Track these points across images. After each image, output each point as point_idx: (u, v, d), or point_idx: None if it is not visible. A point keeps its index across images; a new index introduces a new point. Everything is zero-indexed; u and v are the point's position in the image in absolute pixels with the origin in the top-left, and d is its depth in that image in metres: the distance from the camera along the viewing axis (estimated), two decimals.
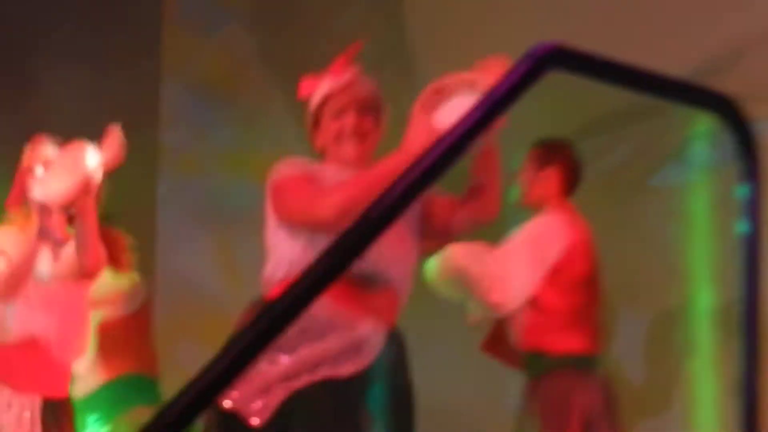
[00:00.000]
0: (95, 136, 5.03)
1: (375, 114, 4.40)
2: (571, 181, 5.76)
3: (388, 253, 4.16)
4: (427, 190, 2.18)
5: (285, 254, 4.28)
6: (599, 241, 6.21)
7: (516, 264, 5.51)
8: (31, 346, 5.28)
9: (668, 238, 6.40)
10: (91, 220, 5.16)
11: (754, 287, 2.57)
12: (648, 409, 6.52)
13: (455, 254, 5.46)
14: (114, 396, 5.86)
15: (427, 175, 2.12)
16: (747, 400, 2.53)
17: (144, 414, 5.72)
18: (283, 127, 4.57)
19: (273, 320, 2.04)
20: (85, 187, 4.95)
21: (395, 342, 4.30)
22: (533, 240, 5.54)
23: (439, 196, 4.37)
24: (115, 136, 5.07)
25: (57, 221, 5.31)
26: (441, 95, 4.14)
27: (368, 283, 4.19)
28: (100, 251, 5.22)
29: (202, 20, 7.90)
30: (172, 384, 6.36)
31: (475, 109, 2.17)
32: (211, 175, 7.20)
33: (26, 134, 5.33)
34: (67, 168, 4.98)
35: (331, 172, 4.30)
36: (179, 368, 6.64)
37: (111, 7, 7.98)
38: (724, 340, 5.89)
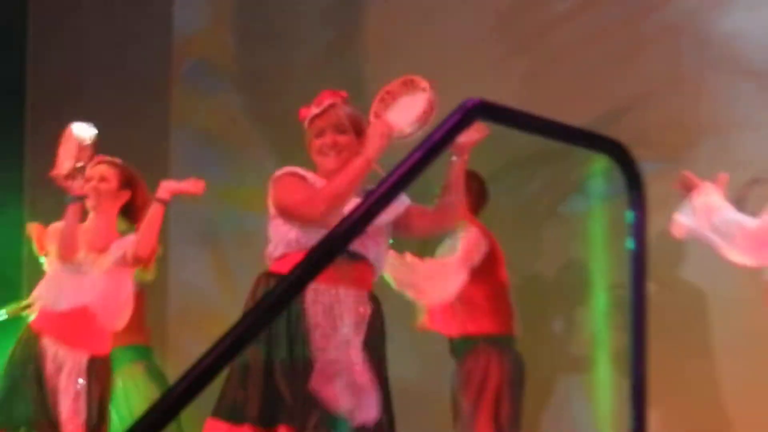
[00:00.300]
0: None
1: (351, 132, 4.42)
2: (481, 204, 5.79)
3: (368, 239, 4.30)
4: (387, 204, 2.19)
5: (283, 236, 4.34)
6: (518, 257, 6.21)
7: (449, 268, 5.55)
8: (82, 313, 5.25)
9: (573, 253, 6.39)
10: (155, 219, 5.25)
11: (640, 291, 2.56)
12: (557, 389, 6.50)
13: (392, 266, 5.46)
14: (125, 356, 5.92)
15: (385, 195, 2.14)
16: (636, 381, 2.53)
17: (140, 367, 6.08)
18: (264, 166, 4.59)
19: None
20: None
21: (376, 302, 4.41)
22: (468, 249, 5.55)
23: (414, 205, 4.47)
24: None
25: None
26: (387, 100, 4.31)
27: (352, 259, 4.26)
28: (155, 246, 5.26)
29: (202, 83, 7.90)
30: (177, 366, 6.31)
31: (418, 148, 2.16)
32: (209, 205, 7.17)
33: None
34: None
35: (317, 181, 4.38)
36: (185, 354, 6.60)
37: (129, 74, 7.98)
38: (617, 333, 5.87)
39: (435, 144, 2.16)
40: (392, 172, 2.15)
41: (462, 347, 5.61)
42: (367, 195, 2.14)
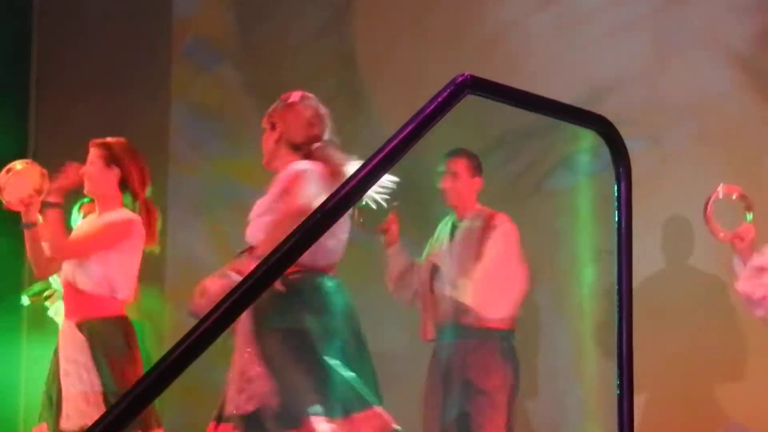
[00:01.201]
0: None
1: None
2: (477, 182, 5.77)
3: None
4: (382, 174, 2.17)
5: (262, 225, 4.44)
6: None
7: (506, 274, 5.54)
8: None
9: (560, 228, 6.38)
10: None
11: (626, 263, 2.56)
12: (545, 358, 6.51)
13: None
14: None
15: (371, 173, 2.11)
16: (622, 349, 2.53)
17: None
18: (259, 140, 4.62)
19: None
20: None
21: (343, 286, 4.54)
22: (511, 246, 5.55)
23: None
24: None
25: None
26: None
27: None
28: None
29: (201, 59, 7.89)
30: (177, 330, 6.31)
31: (410, 122, 2.16)
32: (206, 176, 7.19)
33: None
34: None
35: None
36: (182, 325, 6.58)
37: (130, 50, 7.97)
38: (604, 305, 5.87)
39: (426, 117, 2.16)
40: (385, 145, 2.14)
41: (481, 336, 5.53)
42: (362, 166, 2.13)
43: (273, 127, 4.65)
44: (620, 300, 2.56)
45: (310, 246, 2.01)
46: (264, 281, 1.98)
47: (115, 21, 8.13)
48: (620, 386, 2.48)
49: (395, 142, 2.12)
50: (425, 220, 6.04)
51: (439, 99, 2.17)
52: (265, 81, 7.31)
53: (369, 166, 2.12)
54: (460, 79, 2.23)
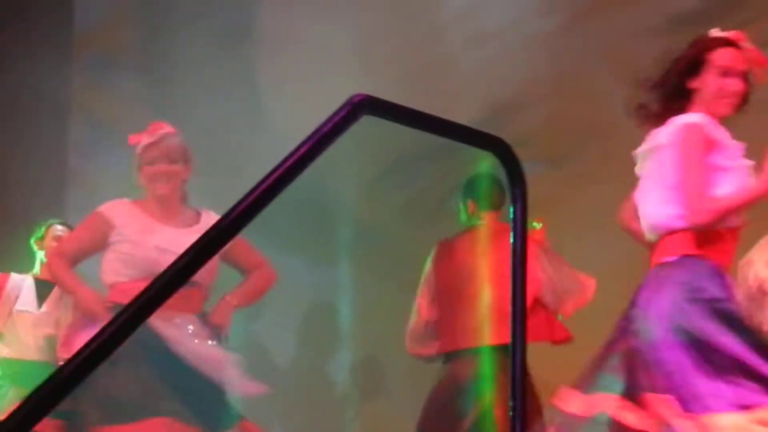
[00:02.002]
0: None
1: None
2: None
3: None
4: (277, 194, 2.13)
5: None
6: (409, 252, 6.17)
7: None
8: None
9: None
10: None
11: (520, 282, 2.56)
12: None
13: None
14: None
15: (272, 186, 2.10)
16: (516, 359, 2.53)
17: None
18: None
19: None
20: None
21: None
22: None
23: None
24: None
25: None
26: None
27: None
28: None
29: (102, 72, 7.82)
30: None
31: (305, 141, 2.14)
32: (107, 190, 7.13)
33: None
34: None
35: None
36: None
37: (31, 63, 7.88)
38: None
39: (322, 137, 2.15)
40: (280, 164, 2.13)
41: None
42: (255, 186, 2.11)
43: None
44: (514, 320, 2.55)
45: (203, 264, 1.98)
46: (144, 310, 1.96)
47: (14, 31, 8.02)
48: (513, 408, 2.48)
49: (290, 162, 2.11)
50: (329, 242, 6.01)
51: (336, 119, 2.16)
52: (165, 96, 7.26)
53: (263, 186, 2.11)
54: (356, 99, 2.21)
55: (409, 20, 6.96)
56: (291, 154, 2.15)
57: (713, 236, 3.95)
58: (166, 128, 4.73)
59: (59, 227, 6.11)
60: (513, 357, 2.56)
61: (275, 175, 2.13)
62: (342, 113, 2.18)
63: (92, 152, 7.48)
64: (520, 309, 2.57)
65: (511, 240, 2.57)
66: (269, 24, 7.36)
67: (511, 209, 2.62)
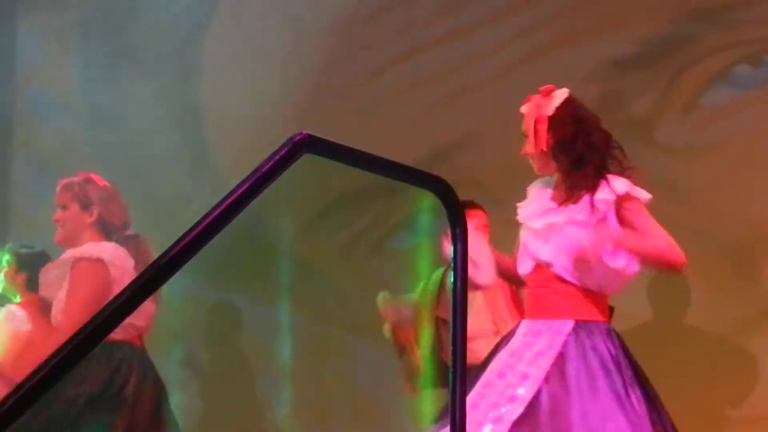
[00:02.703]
0: None
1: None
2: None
3: None
4: (215, 233, 2.09)
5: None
6: (346, 290, 6.17)
7: None
8: None
9: (401, 287, 6.39)
10: None
11: (461, 320, 2.55)
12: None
13: None
14: None
15: (212, 224, 2.07)
16: (456, 405, 2.50)
17: None
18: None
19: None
20: None
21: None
22: None
23: None
24: None
25: None
26: None
27: None
28: None
29: (43, 113, 7.81)
30: None
31: (246, 180, 2.13)
32: (49, 229, 7.10)
33: None
34: None
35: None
36: None
37: None
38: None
39: (262, 176, 2.13)
40: (220, 202, 2.11)
41: None
42: (194, 225, 2.08)
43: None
44: (454, 357, 2.54)
45: (138, 305, 1.95)
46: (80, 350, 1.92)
47: None
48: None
49: (229, 200, 2.09)
50: (269, 281, 5.99)
51: (276, 157, 2.14)
52: (108, 136, 7.25)
53: (203, 224, 2.09)
54: (297, 137, 2.20)
55: (352, 59, 7.02)
56: (231, 193, 2.12)
57: None
58: (71, 177, 4.81)
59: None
60: (452, 394, 2.56)
61: (215, 213, 2.11)
62: (283, 151, 2.16)
63: (34, 190, 7.45)
64: (460, 347, 2.57)
65: (451, 280, 2.57)
66: (210, 61, 7.38)
67: (452, 249, 2.62)
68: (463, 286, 2.58)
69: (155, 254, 4.41)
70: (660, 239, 3.89)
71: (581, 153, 3.98)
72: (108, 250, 4.63)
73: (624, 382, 3.78)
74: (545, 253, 4.00)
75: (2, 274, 5.78)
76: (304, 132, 2.19)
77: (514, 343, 3.99)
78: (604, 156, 4.00)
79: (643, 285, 5.78)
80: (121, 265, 4.56)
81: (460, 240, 2.62)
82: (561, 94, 4.10)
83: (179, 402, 4.82)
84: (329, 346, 6.85)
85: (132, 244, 4.76)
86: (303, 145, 2.19)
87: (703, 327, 6.07)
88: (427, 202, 5.84)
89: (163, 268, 2.06)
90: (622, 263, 3.87)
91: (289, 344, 6.95)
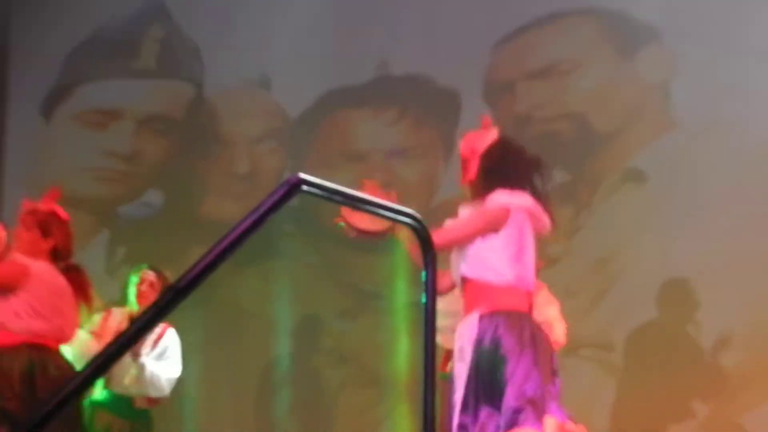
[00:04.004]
0: None
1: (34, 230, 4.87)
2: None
3: None
4: (218, 265, 2.23)
5: None
6: (331, 300, 6.20)
7: None
8: None
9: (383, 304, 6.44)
10: None
11: (431, 333, 2.72)
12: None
13: None
14: None
15: (219, 257, 2.23)
16: (427, 413, 2.68)
17: None
18: None
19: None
20: None
21: None
22: None
23: None
24: None
25: None
26: None
27: None
28: None
29: None
30: None
31: (251, 214, 2.27)
32: None
33: None
34: None
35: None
36: None
37: None
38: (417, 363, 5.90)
39: (264, 214, 2.28)
40: (224, 237, 2.25)
41: None
42: (203, 256, 2.27)
43: (46, 234, 4.84)
44: (426, 366, 2.69)
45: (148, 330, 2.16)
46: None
47: None
48: None
49: (232, 237, 2.24)
50: None
51: (275, 197, 2.29)
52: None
53: (211, 256, 2.25)
54: (293, 180, 2.34)
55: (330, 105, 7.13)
56: (235, 228, 2.26)
57: None
58: (36, 203, 5.01)
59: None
60: (425, 402, 2.71)
61: (222, 245, 2.25)
62: (281, 192, 2.31)
63: None
64: (430, 357, 2.70)
65: (423, 299, 2.70)
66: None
67: (423, 273, 2.76)
68: (432, 304, 2.72)
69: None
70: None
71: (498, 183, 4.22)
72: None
73: None
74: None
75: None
76: (298, 175, 2.32)
77: None
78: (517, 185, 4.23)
79: None
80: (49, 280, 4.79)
81: (431, 264, 2.77)
82: (492, 135, 4.31)
83: None
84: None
85: (74, 272, 4.95)
86: (298, 187, 2.34)
87: None
88: (404, 232, 5.98)
89: (179, 291, 2.23)
90: None
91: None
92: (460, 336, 4.18)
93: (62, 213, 4.94)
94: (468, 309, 4.22)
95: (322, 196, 2.47)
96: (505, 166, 4.23)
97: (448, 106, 6.89)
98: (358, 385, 6.76)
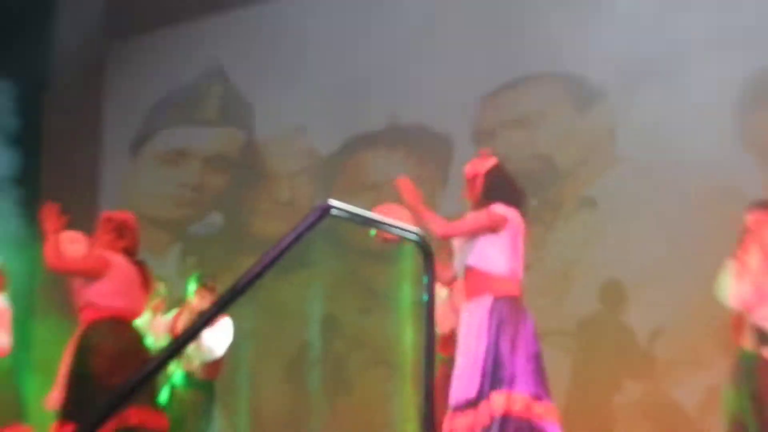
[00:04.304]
0: None
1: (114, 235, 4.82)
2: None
3: None
4: (257, 281, 2.19)
5: None
6: (349, 301, 6.15)
7: None
8: None
9: (392, 303, 6.38)
10: None
11: (430, 326, 2.66)
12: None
13: None
14: None
15: (261, 270, 2.21)
16: (426, 405, 2.64)
17: None
18: None
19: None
20: None
21: None
22: None
23: None
24: None
25: None
26: None
27: None
28: None
29: None
30: None
31: (290, 233, 2.24)
32: None
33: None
34: None
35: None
36: None
37: None
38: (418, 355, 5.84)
39: (301, 233, 2.25)
40: (269, 250, 2.23)
41: None
42: (254, 265, 2.22)
43: (120, 236, 4.82)
44: (427, 350, 2.63)
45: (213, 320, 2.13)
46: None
47: None
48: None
49: (274, 253, 2.21)
50: None
51: (310, 220, 2.26)
52: None
53: (262, 264, 2.22)
54: (324, 206, 2.31)
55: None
56: (278, 243, 2.23)
57: None
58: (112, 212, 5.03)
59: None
60: (426, 379, 2.66)
61: (269, 256, 2.23)
62: (316, 215, 2.29)
63: None
64: (430, 346, 2.64)
65: (425, 298, 2.67)
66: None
67: (425, 278, 2.72)
68: (431, 302, 2.68)
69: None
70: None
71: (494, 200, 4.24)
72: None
73: None
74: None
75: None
76: (327, 202, 2.31)
77: None
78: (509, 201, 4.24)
79: None
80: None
81: (430, 271, 2.73)
82: (491, 161, 4.32)
83: None
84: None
85: (140, 265, 4.93)
86: (327, 211, 2.32)
87: None
88: (410, 246, 5.94)
89: (237, 291, 2.19)
90: None
91: None
92: (471, 314, 4.11)
93: (132, 221, 4.96)
94: (471, 294, 4.17)
95: (346, 218, 2.45)
96: (502, 185, 4.27)
97: (444, 148, 6.87)
98: (372, 366, 6.71)
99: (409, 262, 4.87)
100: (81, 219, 7.44)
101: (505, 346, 3.98)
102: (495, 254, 4.13)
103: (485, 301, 4.10)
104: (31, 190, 8.04)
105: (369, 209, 2.72)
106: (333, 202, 2.33)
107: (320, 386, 6.93)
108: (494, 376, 3.95)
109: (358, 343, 6.77)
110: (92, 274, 4.73)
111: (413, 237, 2.71)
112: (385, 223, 2.74)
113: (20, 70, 7.35)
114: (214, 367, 5.72)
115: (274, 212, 7.39)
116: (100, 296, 4.72)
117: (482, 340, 4.02)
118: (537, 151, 6.57)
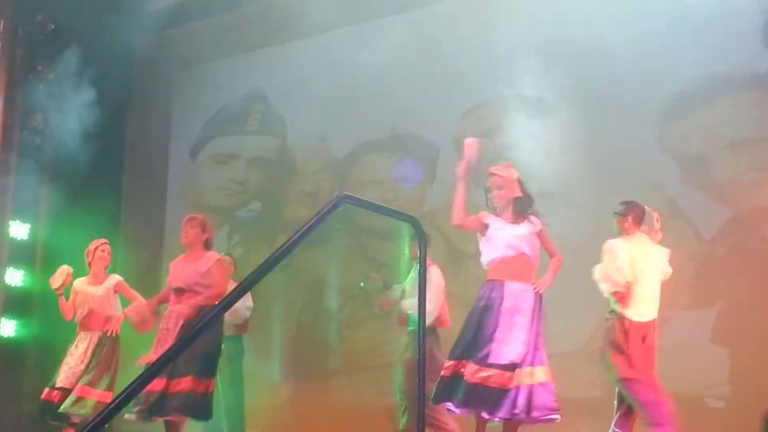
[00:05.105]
0: None
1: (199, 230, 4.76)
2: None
3: None
4: (290, 253, 2.08)
5: None
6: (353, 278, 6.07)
7: None
8: None
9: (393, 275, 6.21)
10: None
11: (423, 297, 2.56)
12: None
13: None
14: None
15: (290, 246, 2.08)
16: (420, 365, 2.58)
17: None
18: None
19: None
20: None
21: None
22: None
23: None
24: None
25: None
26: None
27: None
28: None
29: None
30: None
31: (313, 217, 2.13)
32: None
33: None
34: None
35: None
36: None
37: None
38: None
39: (321, 216, 2.15)
40: (296, 231, 2.12)
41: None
42: (285, 242, 2.13)
43: (203, 231, 4.72)
44: (419, 308, 2.54)
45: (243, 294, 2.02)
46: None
47: None
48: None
49: (298, 233, 2.10)
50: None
51: (327, 207, 2.17)
52: None
53: (292, 238, 2.12)
54: (340, 196, 2.25)
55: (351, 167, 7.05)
56: (303, 225, 2.14)
57: None
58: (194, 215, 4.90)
59: None
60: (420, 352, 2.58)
61: (296, 235, 2.13)
62: (332, 203, 2.20)
63: None
64: (422, 315, 2.56)
65: (418, 273, 2.62)
66: None
67: (418, 252, 2.69)
68: (423, 275, 2.60)
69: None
70: None
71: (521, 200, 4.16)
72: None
73: None
74: (524, 247, 4.07)
75: None
76: (344, 193, 2.24)
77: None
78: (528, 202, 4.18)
79: None
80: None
81: (423, 249, 2.67)
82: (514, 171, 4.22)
83: None
84: None
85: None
86: (343, 200, 2.24)
87: None
88: (410, 229, 5.79)
89: (272, 262, 2.08)
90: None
91: None
92: (511, 293, 3.95)
93: (208, 220, 4.91)
94: (515, 276, 3.99)
95: (358, 206, 2.39)
96: (526, 192, 4.19)
97: (432, 153, 6.77)
98: (375, 319, 6.61)
99: (407, 240, 4.79)
100: (154, 208, 7.63)
101: (541, 325, 3.92)
102: (537, 246, 4.05)
103: (529, 286, 4.00)
104: (114, 186, 8.04)
105: (374, 200, 2.61)
106: (346, 193, 2.27)
107: (335, 334, 6.86)
108: (535, 350, 3.87)
109: (364, 302, 6.68)
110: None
111: (408, 220, 2.63)
112: (383, 209, 2.63)
113: (107, 95, 7.35)
114: (242, 326, 5.59)
115: (302, 201, 7.38)
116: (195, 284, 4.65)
117: (529, 317, 3.92)
118: (506, 158, 6.44)
